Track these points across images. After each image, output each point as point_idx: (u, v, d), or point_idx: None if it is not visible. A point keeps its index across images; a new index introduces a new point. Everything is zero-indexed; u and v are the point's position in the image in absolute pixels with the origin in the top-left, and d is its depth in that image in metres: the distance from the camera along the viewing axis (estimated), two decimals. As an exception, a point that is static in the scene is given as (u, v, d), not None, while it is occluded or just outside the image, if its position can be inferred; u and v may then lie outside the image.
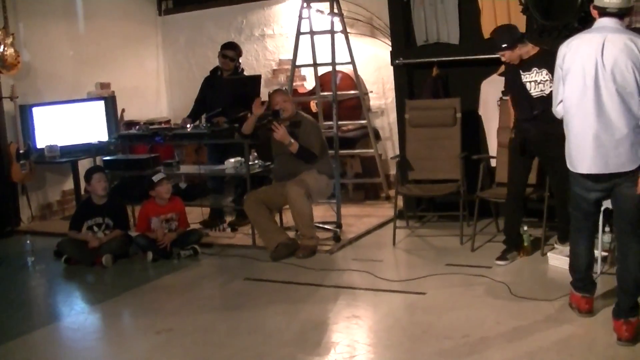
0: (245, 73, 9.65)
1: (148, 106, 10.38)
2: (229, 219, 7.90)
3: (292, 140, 6.57)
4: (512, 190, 6.06)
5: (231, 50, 7.86)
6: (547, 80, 5.65)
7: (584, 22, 6.46)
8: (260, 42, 10.06)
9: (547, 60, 5.58)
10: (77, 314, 5.58)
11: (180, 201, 7.10)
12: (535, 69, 5.72)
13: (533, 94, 5.74)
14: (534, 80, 5.75)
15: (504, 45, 5.73)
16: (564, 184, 5.58)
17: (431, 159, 7.07)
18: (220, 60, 7.88)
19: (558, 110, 4.64)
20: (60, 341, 5.10)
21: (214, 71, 8.01)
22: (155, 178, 6.90)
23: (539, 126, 5.74)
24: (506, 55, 5.79)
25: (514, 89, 5.94)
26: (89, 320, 5.46)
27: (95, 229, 6.86)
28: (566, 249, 5.70)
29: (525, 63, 5.78)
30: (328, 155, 6.94)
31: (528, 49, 5.78)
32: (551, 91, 5.37)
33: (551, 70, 5.46)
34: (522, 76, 5.80)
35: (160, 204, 6.90)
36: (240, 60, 8.02)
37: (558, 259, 5.77)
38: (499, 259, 6.01)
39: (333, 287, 5.70)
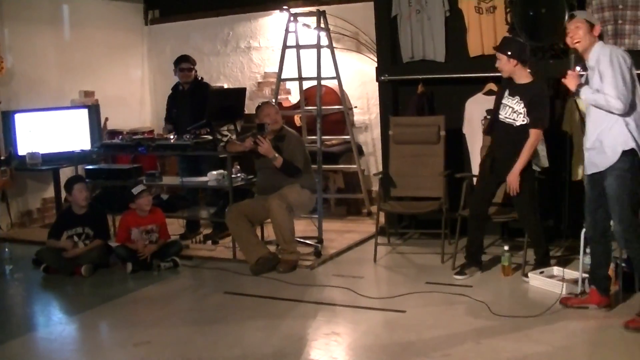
0: (230, 85, 9.70)
1: (132, 115, 10.34)
2: (204, 230, 7.88)
3: (277, 155, 6.56)
4: (475, 207, 6.16)
5: (186, 62, 7.89)
6: (522, 113, 5.80)
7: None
8: (246, 54, 10.06)
9: (531, 95, 5.79)
10: (54, 324, 5.53)
11: (161, 212, 7.06)
12: (518, 97, 5.83)
13: (505, 119, 5.90)
14: (512, 107, 5.86)
15: (507, 52, 5.82)
16: (532, 201, 5.91)
17: (414, 176, 7.08)
18: (179, 75, 7.91)
19: (621, 106, 4.74)
20: (36, 352, 5.03)
21: (176, 87, 8.02)
22: (135, 190, 6.86)
23: (502, 148, 5.95)
24: (502, 61, 5.86)
25: (494, 105, 6.06)
26: (67, 331, 5.41)
27: (76, 238, 6.79)
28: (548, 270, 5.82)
29: (514, 87, 5.88)
30: (311, 169, 6.94)
31: (523, 74, 5.86)
32: (521, 124, 5.80)
33: (527, 104, 5.77)
34: (505, 98, 5.91)
35: (141, 215, 6.86)
36: (196, 68, 8.05)
37: (539, 279, 5.77)
38: (457, 273, 6.10)
39: (313, 303, 5.68)
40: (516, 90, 5.86)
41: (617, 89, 4.69)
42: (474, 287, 5.86)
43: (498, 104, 6.00)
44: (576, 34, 4.88)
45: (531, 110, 5.76)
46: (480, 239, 6.22)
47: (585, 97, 4.88)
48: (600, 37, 4.90)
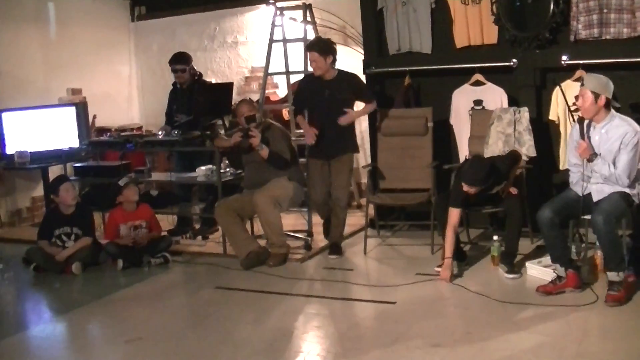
0: (218, 80, 9.66)
1: (120, 113, 10.32)
2: (197, 226, 7.88)
3: (264, 146, 6.56)
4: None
5: (179, 64, 7.68)
6: None
7: (555, 33, 6.56)
8: (232, 49, 10.05)
9: None
10: (45, 322, 5.54)
11: (149, 207, 7.05)
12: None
13: None
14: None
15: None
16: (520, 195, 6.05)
17: (402, 168, 7.10)
18: (174, 75, 7.77)
19: (627, 183, 5.22)
20: (28, 351, 5.03)
21: (175, 84, 7.93)
22: (122, 182, 6.89)
23: None
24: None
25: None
26: (58, 329, 5.42)
27: (64, 238, 6.77)
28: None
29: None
30: (298, 162, 6.93)
31: None
32: None
33: None
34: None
35: (128, 210, 6.85)
36: (194, 67, 7.86)
37: (536, 269, 5.76)
38: (438, 266, 5.99)
39: (304, 296, 5.70)
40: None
41: (629, 173, 5.12)
42: (464, 277, 5.88)
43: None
44: (582, 104, 5.20)
45: None
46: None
47: (600, 170, 5.15)
48: (607, 105, 5.15)
